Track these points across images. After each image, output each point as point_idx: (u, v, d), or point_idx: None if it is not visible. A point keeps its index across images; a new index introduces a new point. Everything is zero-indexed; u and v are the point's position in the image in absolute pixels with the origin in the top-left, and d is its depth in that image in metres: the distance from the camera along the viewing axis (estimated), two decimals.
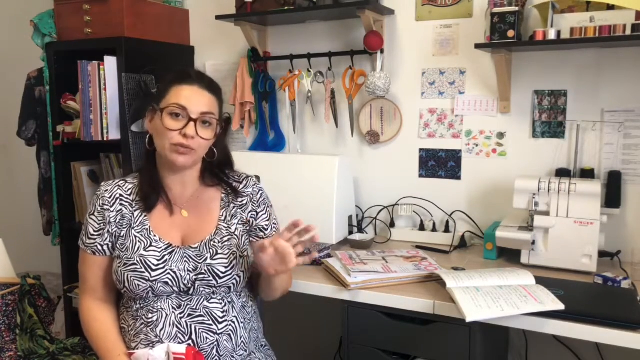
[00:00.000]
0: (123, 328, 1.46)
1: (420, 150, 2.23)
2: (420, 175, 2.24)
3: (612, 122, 1.91)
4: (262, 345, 1.57)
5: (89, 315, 1.47)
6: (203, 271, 1.41)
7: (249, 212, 1.53)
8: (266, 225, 1.55)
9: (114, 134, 2.29)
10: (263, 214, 1.55)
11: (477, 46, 1.89)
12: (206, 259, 1.42)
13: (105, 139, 2.28)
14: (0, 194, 3.44)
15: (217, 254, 1.43)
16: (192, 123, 1.38)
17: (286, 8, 2.17)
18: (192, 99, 1.40)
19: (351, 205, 2.21)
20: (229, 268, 1.43)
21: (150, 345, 1.38)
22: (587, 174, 1.91)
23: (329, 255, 1.90)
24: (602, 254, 1.79)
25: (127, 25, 2.28)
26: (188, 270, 1.40)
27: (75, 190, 2.53)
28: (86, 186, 2.53)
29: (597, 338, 1.38)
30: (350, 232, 2.15)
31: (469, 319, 1.38)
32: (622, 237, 1.92)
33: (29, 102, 2.64)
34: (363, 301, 1.63)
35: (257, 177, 1.65)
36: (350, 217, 2.17)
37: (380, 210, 2.30)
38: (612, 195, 1.88)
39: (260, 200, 1.56)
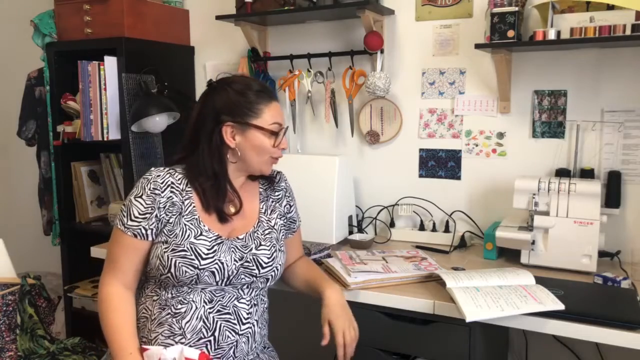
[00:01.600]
0: (145, 317, 1.44)
1: (420, 150, 2.23)
2: (420, 175, 2.24)
3: (612, 122, 1.91)
4: (265, 347, 1.59)
5: (109, 304, 1.42)
6: (248, 260, 1.46)
7: (285, 206, 1.62)
8: (296, 217, 1.67)
9: (114, 134, 2.29)
10: (295, 208, 1.67)
11: (477, 46, 1.89)
12: (251, 249, 1.47)
13: (105, 139, 2.28)
14: (0, 194, 3.44)
15: (260, 245, 1.49)
16: (285, 136, 1.51)
17: (286, 8, 2.17)
18: (281, 114, 1.52)
19: (351, 205, 2.21)
20: (270, 259, 1.49)
21: (172, 337, 1.39)
22: (587, 174, 1.91)
23: (329, 255, 1.90)
24: (602, 254, 1.79)
25: (127, 25, 2.28)
26: (234, 260, 1.44)
27: (75, 190, 2.53)
28: (86, 186, 2.53)
29: (597, 338, 1.38)
30: (350, 232, 2.15)
31: (469, 319, 1.38)
32: (622, 237, 1.92)
33: (29, 102, 2.64)
34: (363, 301, 1.63)
35: None
36: (350, 217, 2.17)
37: (380, 210, 2.30)
38: (612, 195, 1.88)
39: (292, 194, 1.67)
